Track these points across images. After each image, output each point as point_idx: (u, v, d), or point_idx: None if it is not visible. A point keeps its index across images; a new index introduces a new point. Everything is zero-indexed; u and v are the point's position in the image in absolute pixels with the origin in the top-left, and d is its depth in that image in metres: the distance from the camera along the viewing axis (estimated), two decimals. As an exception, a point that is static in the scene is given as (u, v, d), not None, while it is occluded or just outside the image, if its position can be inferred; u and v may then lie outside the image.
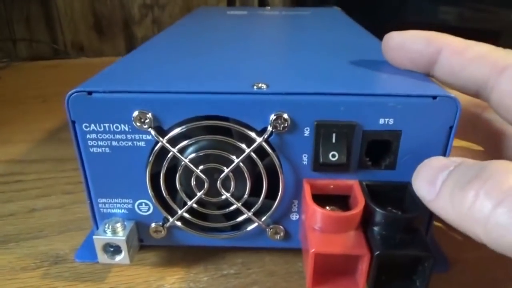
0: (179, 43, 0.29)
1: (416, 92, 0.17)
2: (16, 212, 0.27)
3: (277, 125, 0.18)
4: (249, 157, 0.19)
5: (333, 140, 0.18)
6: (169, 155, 0.19)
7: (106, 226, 0.20)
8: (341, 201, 0.19)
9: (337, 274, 0.18)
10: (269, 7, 0.48)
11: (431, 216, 0.20)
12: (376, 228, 0.17)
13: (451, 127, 0.18)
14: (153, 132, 0.18)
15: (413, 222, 0.17)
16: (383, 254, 0.16)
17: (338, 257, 0.17)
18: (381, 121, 0.18)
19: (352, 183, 0.19)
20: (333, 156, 0.18)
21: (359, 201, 0.18)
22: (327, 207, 0.18)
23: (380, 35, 0.29)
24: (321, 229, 0.17)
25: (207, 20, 0.39)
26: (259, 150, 0.19)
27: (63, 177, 0.31)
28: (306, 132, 0.18)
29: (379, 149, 0.19)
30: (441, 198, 0.15)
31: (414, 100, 0.17)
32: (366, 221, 0.18)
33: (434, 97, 0.17)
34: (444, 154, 0.18)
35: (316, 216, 0.17)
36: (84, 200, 0.21)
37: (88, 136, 0.19)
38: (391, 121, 0.18)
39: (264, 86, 0.18)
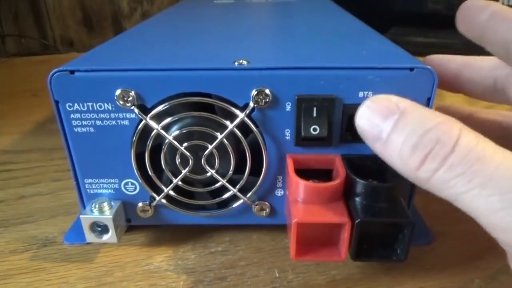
0: (164, 28, 0.29)
1: (393, 64, 0.18)
2: (5, 199, 0.27)
3: (259, 100, 0.18)
4: (232, 134, 0.19)
5: (314, 114, 0.18)
6: (153, 133, 0.19)
7: (93, 205, 0.20)
8: (324, 176, 0.20)
9: (320, 245, 0.18)
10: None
11: (413, 188, 0.20)
12: (357, 199, 0.18)
13: (428, 99, 0.18)
14: (136, 110, 0.19)
15: (393, 191, 0.17)
16: (364, 221, 0.16)
17: (321, 227, 0.17)
18: (361, 94, 0.18)
19: (334, 157, 0.19)
20: (315, 130, 0.18)
21: (340, 172, 0.18)
22: (310, 181, 0.19)
23: (369, 24, 0.30)
24: (304, 201, 0.18)
25: (194, 8, 0.39)
26: (243, 127, 0.19)
27: (52, 166, 0.31)
28: (288, 107, 0.19)
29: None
30: (388, 147, 0.15)
31: (392, 73, 0.18)
32: (348, 193, 0.18)
33: (411, 69, 0.18)
34: (423, 125, 0.19)
35: (298, 188, 0.18)
36: (73, 187, 0.21)
37: (72, 115, 0.19)
38: (370, 94, 0.18)
39: (245, 62, 0.18)
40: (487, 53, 0.21)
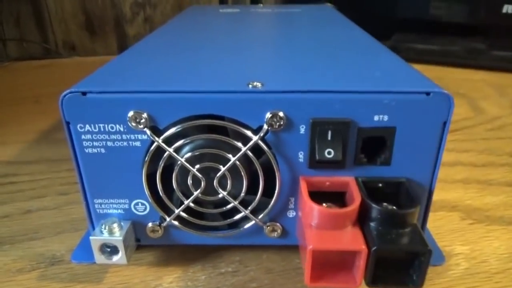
0: (172, 42, 0.29)
1: (410, 88, 0.18)
2: (11, 214, 0.27)
3: (273, 123, 0.18)
4: (245, 155, 0.19)
5: (329, 137, 0.18)
6: (165, 155, 0.19)
7: (103, 226, 0.20)
8: (337, 198, 0.19)
9: (335, 270, 0.18)
10: (261, 5, 0.48)
11: (426, 210, 0.20)
12: (372, 224, 0.17)
13: (444, 123, 0.18)
14: (148, 132, 0.18)
15: (408, 217, 0.17)
16: (380, 249, 0.16)
17: (336, 253, 0.17)
18: (376, 117, 0.18)
19: (348, 180, 0.19)
20: (329, 153, 0.18)
21: (355, 197, 0.18)
22: (324, 204, 0.18)
23: (371, 31, 0.30)
24: (318, 226, 0.18)
25: (200, 18, 0.38)
26: (255, 149, 0.19)
27: (58, 178, 0.31)
28: (302, 130, 0.18)
29: (375, 145, 0.19)
30: None
31: (408, 97, 0.18)
32: (362, 218, 0.18)
33: (428, 93, 0.17)
34: (438, 149, 0.19)
35: (313, 213, 0.17)
36: (79, 201, 0.21)
37: (83, 136, 0.19)
38: (386, 118, 0.18)
39: (259, 84, 0.18)
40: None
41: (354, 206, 0.17)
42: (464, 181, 0.30)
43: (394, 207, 0.18)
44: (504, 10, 0.60)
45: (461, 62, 0.63)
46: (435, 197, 0.27)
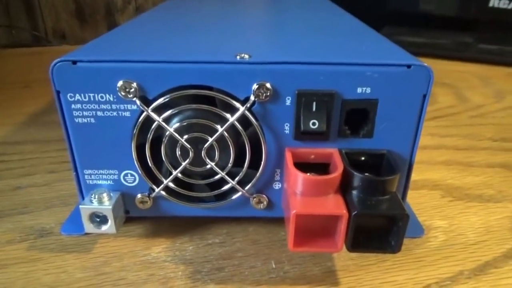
0: (164, 20, 0.29)
1: (392, 61, 0.18)
2: (0, 190, 0.27)
3: (260, 94, 0.19)
4: (233, 127, 0.19)
5: (314, 109, 0.19)
6: (154, 125, 0.19)
7: (93, 196, 0.20)
8: (322, 169, 0.20)
9: (317, 236, 0.18)
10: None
11: (407, 182, 0.21)
12: (354, 192, 0.18)
13: (424, 95, 0.19)
14: (138, 102, 0.19)
15: (388, 184, 0.18)
16: (360, 213, 0.17)
17: (318, 219, 0.18)
18: (359, 90, 0.19)
19: (332, 151, 0.20)
20: (314, 124, 0.19)
21: (338, 166, 0.18)
22: (308, 174, 0.19)
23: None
24: (302, 193, 0.18)
25: (193, 1, 0.39)
26: (243, 121, 0.19)
27: (47, 157, 0.31)
28: (288, 101, 0.19)
29: (358, 118, 0.20)
30: None
31: (390, 69, 0.18)
32: (345, 186, 0.18)
33: (409, 66, 0.18)
34: (418, 121, 0.19)
35: (297, 180, 0.18)
36: (69, 178, 0.21)
37: (73, 106, 0.19)
38: (368, 90, 0.19)
39: (246, 56, 0.19)
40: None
41: (336, 173, 0.18)
42: (447, 163, 0.31)
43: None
44: (491, 4, 0.61)
45: (450, 54, 0.64)
46: (418, 176, 0.28)
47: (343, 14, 0.32)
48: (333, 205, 0.17)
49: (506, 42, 0.63)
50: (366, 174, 0.19)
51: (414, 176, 0.28)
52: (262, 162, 0.20)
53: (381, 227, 0.18)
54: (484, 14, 0.62)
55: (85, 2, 0.72)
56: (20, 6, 0.71)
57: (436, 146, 0.33)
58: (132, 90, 0.18)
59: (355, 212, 0.17)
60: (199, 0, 0.40)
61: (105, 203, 0.20)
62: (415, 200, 0.25)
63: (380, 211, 0.17)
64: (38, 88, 0.47)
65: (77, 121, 0.19)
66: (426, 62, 0.57)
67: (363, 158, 0.20)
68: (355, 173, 0.18)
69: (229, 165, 0.20)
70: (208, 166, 0.20)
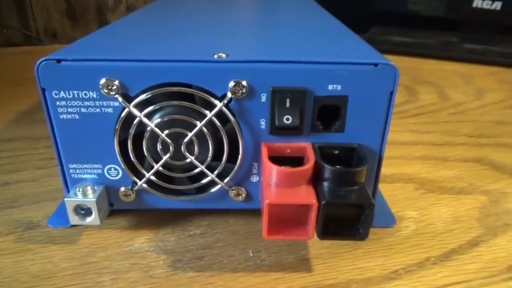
0: (148, 20, 0.30)
1: (360, 60, 0.19)
2: (-11, 186, 0.28)
3: (236, 91, 0.20)
4: (211, 122, 0.20)
5: (287, 105, 0.20)
6: (136, 121, 0.20)
7: (77, 189, 0.21)
8: (297, 163, 0.21)
9: (290, 225, 0.19)
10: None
11: (377, 174, 0.22)
12: (325, 183, 0.19)
13: (391, 92, 0.20)
14: (120, 99, 0.20)
15: (356, 175, 0.19)
16: (329, 203, 0.18)
17: (290, 208, 0.19)
18: (330, 87, 0.20)
19: (305, 145, 0.21)
20: (287, 119, 0.20)
21: (310, 158, 0.19)
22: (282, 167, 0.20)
23: (352, 24, 0.31)
24: (276, 185, 0.19)
25: (179, 2, 0.40)
26: (221, 117, 0.20)
27: (36, 154, 0.32)
28: (263, 98, 0.20)
29: (330, 113, 0.21)
30: None
31: (358, 68, 0.19)
32: (316, 178, 0.19)
33: (376, 65, 0.19)
34: (386, 117, 0.20)
35: (271, 172, 0.19)
36: (57, 174, 0.22)
37: (57, 103, 0.20)
38: (339, 87, 0.20)
39: (223, 55, 0.20)
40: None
41: (308, 165, 0.19)
42: (423, 158, 0.32)
43: (345, 168, 0.20)
44: (474, 5, 0.62)
45: (436, 54, 0.66)
46: (395, 170, 0.30)
47: (323, 15, 0.33)
48: (304, 195, 0.19)
49: (490, 42, 0.64)
50: (336, 166, 0.20)
51: (390, 170, 0.29)
52: (240, 156, 0.21)
53: (350, 216, 0.19)
54: (468, 15, 0.63)
55: (76, 1, 0.73)
56: (11, 6, 0.71)
57: (415, 142, 0.35)
58: (114, 87, 0.19)
59: (324, 201, 0.18)
60: (186, 0, 0.41)
61: (89, 196, 0.21)
62: (389, 193, 0.27)
63: (347, 200, 0.18)
64: (29, 87, 0.48)
65: (62, 117, 0.20)
66: (413, 61, 0.59)
67: (335, 152, 0.21)
68: (325, 165, 0.19)
69: (208, 159, 0.21)
70: (188, 160, 0.21)
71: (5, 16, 0.71)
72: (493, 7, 0.62)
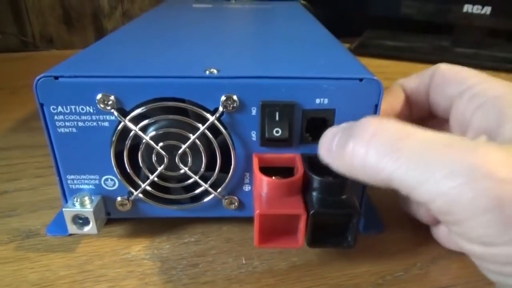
0: (141, 33, 0.31)
1: (345, 75, 0.20)
2: (-12, 195, 0.28)
3: (227, 105, 0.20)
4: (204, 135, 0.21)
5: (277, 118, 0.21)
6: (131, 134, 0.21)
7: (75, 199, 0.22)
8: (287, 173, 0.22)
9: (281, 234, 0.20)
10: (234, 1, 0.50)
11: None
12: (314, 193, 0.20)
13: (376, 105, 0.21)
14: (116, 113, 0.20)
15: (344, 186, 0.20)
16: (317, 212, 0.19)
17: (280, 218, 0.20)
18: (317, 100, 0.21)
19: (294, 156, 0.22)
20: (277, 132, 0.21)
21: (299, 170, 0.20)
22: (273, 177, 0.21)
23: (345, 28, 0.32)
24: (266, 195, 0.20)
25: (172, 12, 0.40)
26: (213, 129, 0.21)
27: (33, 162, 0.33)
28: (253, 111, 0.21)
29: (318, 126, 0.21)
30: (335, 160, 0.18)
31: (344, 82, 0.20)
32: (306, 188, 0.20)
33: (361, 79, 0.20)
34: (372, 129, 0.21)
35: (262, 183, 0.20)
36: (54, 182, 0.23)
37: (55, 117, 0.21)
38: (326, 101, 0.21)
39: (215, 71, 0.20)
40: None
41: (297, 176, 0.20)
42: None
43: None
44: (464, 10, 0.63)
45: (427, 58, 0.67)
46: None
47: (313, 26, 0.34)
48: (293, 205, 0.19)
49: (480, 46, 0.66)
50: (325, 176, 0.20)
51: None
52: (232, 167, 0.22)
53: (339, 224, 0.20)
54: (459, 19, 0.65)
55: (72, 7, 0.74)
56: (7, 11, 0.71)
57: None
58: (110, 102, 0.20)
59: (312, 211, 0.19)
60: (179, 11, 0.42)
61: (87, 206, 0.22)
62: (378, 199, 0.27)
63: (335, 210, 0.19)
64: (25, 94, 0.48)
65: (59, 130, 0.21)
66: (406, 66, 0.60)
67: (323, 162, 0.22)
68: (313, 176, 0.20)
69: (202, 169, 0.22)
70: (182, 171, 0.22)
71: (1, 21, 0.71)
72: (483, 11, 0.63)
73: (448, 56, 0.66)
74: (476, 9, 0.63)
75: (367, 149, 0.16)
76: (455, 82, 0.22)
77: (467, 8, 0.63)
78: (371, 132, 0.16)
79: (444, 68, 0.23)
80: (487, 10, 0.62)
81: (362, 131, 0.17)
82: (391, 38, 0.72)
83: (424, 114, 0.24)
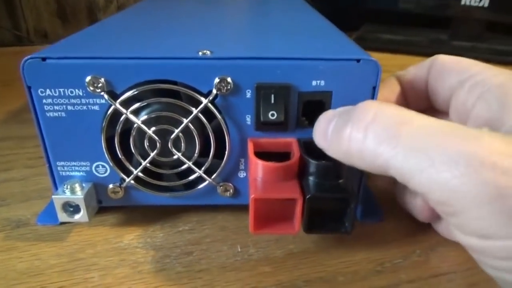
0: (135, 19, 0.30)
1: (342, 55, 0.20)
2: (-22, 185, 0.28)
3: (221, 87, 0.20)
4: (197, 119, 0.21)
5: (272, 101, 0.20)
6: (122, 118, 0.20)
7: (65, 186, 0.21)
8: (283, 158, 0.21)
9: (276, 220, 0.20)
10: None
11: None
12: (310, 178, 0.19)
13: (374, 87, 0.20)
14: (106, 96, 0.20)
15: (341, 170, 0.19)
16: (314, 196, 0.18)
17: (276, 203, 0.19)
18: (314, 82, 0.20)
19: (290, 140, 0.21)
20: (272, 115, 0.20)
21: (295, 154, 0.20)
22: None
23: (342, 22, 0.32)
24: (262, 180, 0.19)
25: (166, 1, 0.40)
26: (207, 113, 0.20)
27: (25, 153, 0.32)
28: (248, 94, 0.20)
29: (315, 109, 0.21)
30: (331, 144, 0.18)
31: (341, 63, 0.20)
32: (302, 173, 0.20)
33: (358, 60, 0.19)
34: (370, 112, 0.21)
35: (257, 168, 0.19)
36: (46, 173, 0.22)
37: (44, 101, 0.20)
38: (322, 83, 0.20)
39: (208, 52, 0.20)
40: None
41: (292, 160, 0.19)
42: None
43: (329, 162, 0.20)
44: (462, 2, 0.63)
45: (425, 51, 0.66)
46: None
47: (309, 13, 0.33)
48: (289, 189, 0.19)
49: (478, 39, 0.65)
50: (322, 161, 0.20)
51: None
52: (226, 152, 0.21)
53: (336, 210, 0.20)
54: (457, 12, 0.64)
55: (67, 1, 0.73)
56: (1, 6, 0.70)
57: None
58: (100, 85, 0.19)
59: (309, 195, 0.18)
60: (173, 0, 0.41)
61: (77, 193, 0.21)
62: (377, 188, 0.27)
63: (332, 194, 0.19)
64: (18, 87, 0.47)
65: (48, 115, 0.20)
66: (403, 59, 0.60)
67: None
68: (310, 160, 0.19)
69: (195, 155, 0.21)
70: (175, 157, 0.21)
71: (-6, 16, 0.70)
72: (481, 4, 0.62)
73: (446, 49, 0.65)
74: (474, 1, 0.62)
75: (365, 134, 0.16)
76: (455, 71, 0.21)
77: (465, 0, 0.63)
78: (370, 117, 0.16)
79: (443, 58, 0.23)
80: (485, 2, 0.62)
81: (361, 115, 0.16)
82: (389, 32, 0.71)
83: (421, 106, 0.24)
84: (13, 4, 0.71)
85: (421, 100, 0.24)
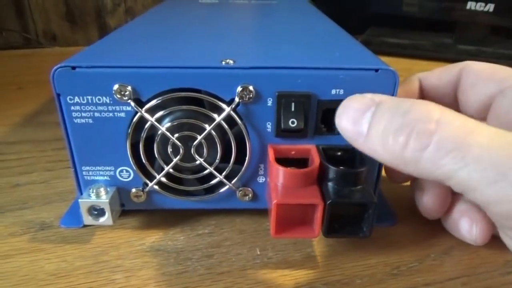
0: (154, 26, 0.31)
1: (361, 65, 0.20)
2: (0, 188, 0.28)
3: (243, 96, 0.20)
4: (219, 126, 0.21)
5: (292, 109, 0.21)
6: (147, 125, 0.21)
7: (91, 190, 0.22)
8: (302, 164, 0.22)
9: (297, 224, 0.20)
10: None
11: (378, 173, 0.23)
12: (329, 183, 0.20)
13: (392, 96, 0.21)
14: (132, 104, 0.20)
15: (360, 177, 0.20)
16: (334, 202, 0.19)
17: (297, 208, 0.20)
18: (333, 91, 0.21)
19: (310, 147, 0.22)
20: (293, 122, 0.21)
21: (315, 160, 0.20)
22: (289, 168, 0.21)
23: (347, 26, 0.32)
24: (282, 185, 0.20)
25: (180, 8, 0.40)
26: (229, 120, 0.21)
27: (44, 156, 0.33)
28: (269, 102, 0.21)
29: (333, 117, 0.21)
30: (370, 140, 0.17)
31: (360, 73, 0.20)
32: (321, 178, 0.20)
33: (376, 70, 0.20)
34: (387, 120, 0.21)
35: (278, 174, 0.20)
36: (65, 176, 0.23)
37: (72, 108, 0.21)
38: (342, 92, 0.21)
39: (231, 61, 0.21)
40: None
41: (313, 167, 0.20)
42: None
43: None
44: (468, 7, 0.64)
45: (430, 55, 0.67)
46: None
47: (323, 20, 0.34)
48: (310, 195, 0.19)
49: (483, 43, 0.66)
50: (340, 167, 0.21)
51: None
52: (247, 158, 0.22)
53: (354, 215, 0.20)
54: (462, 16, 0.65)
55: (75, 4, 0.73)
56: (11, 9, 0.71)
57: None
58: (127, 93, 0.20)
59: (330, 201, 0.19)
60: (187, 6, 0.42)
61: (103, 197, 0.22)
62: (389, 191, 0.27)
63: (351, 200, 0.19)
64: (31, 90, 0.48)
65: (76, 121, 0.21)
66: (408, 63, 0.60)
67: (338, 153, 0.22)
68: (330, 166, 0.20)
69: (217, 161, 0.22)
70: (197, 162, 0.22)
71: (4, 19, 0.71)
72: (486, 9, 0.63)
73: (451, 53, 0.66)
74: (479, 6, 0.63)
75: (427, 143, 0.15)
76: (493, 79, 0.21)
77: (471, 5, 0.63)
78: (433, 125, 0.15)
79: (477, 66, 0.22)
80: (490, 7, 0.62)
81: (421, 123, 0.15)
82: (394, 36, 0.72)
83: None
84: (22, 7, 0.72)
85: (443, 103, 0.24)
